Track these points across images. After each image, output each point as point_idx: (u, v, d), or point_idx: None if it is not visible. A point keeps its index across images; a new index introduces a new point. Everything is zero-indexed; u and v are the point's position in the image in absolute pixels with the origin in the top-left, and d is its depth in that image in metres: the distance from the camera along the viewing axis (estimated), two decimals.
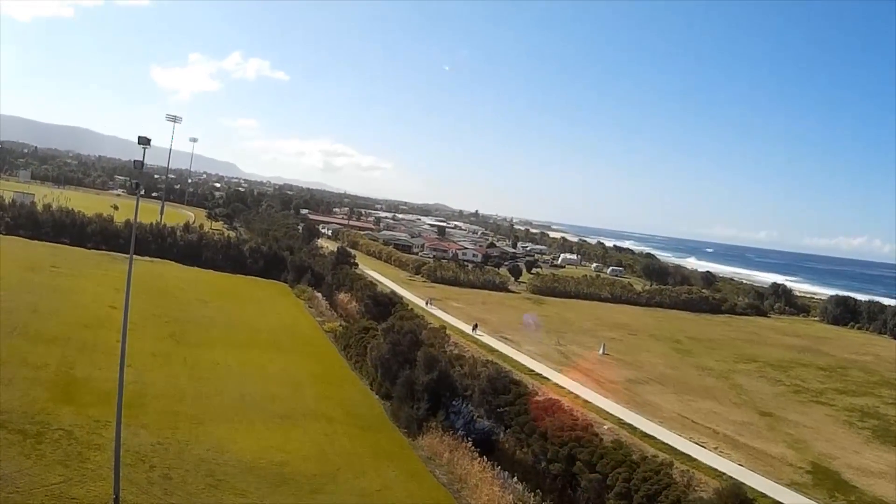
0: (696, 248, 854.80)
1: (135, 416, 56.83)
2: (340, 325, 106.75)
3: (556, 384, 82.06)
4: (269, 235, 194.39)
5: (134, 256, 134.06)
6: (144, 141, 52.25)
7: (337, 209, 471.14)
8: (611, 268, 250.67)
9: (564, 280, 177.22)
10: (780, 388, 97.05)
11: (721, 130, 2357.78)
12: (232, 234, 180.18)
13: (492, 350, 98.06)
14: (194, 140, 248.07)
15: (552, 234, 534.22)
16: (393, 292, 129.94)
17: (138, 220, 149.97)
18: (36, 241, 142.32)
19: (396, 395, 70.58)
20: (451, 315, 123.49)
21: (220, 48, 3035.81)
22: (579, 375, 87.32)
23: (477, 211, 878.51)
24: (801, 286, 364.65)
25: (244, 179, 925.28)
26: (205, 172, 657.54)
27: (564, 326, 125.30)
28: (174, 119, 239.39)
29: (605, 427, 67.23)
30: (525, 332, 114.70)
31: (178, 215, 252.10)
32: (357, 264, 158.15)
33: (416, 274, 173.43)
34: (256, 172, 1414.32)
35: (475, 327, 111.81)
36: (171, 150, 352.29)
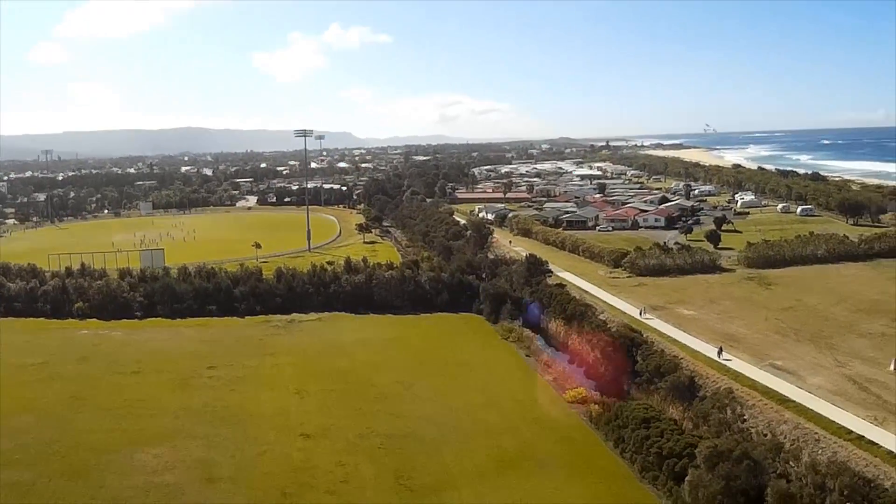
0: (812, 143, 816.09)
1: None
2: (588, 396, 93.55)
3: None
4: (434, 243, 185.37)
5: (297, 318, 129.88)
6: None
7: (477, 170, 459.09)
8: (800, 207, 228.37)
9: (778, 245, 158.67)
10: None
11: None
12: (400, 263, 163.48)
13: (769, 393, 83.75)
14: (307, 133, 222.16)
15: (686, 157, 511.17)
16: (625, 322, 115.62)
17: (293, 269, 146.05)
18: (178, 323, 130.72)
19: None
20: (684, 331, 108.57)
21: (317, 23, 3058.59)
22: None
23: (608, 142, 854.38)
24: None
25: (364, 149, 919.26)
26: (324, 151, 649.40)
27: (819, 323, 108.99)
28: (304, 133, 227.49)
29: None
30: (788, 347, 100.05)
31: (322, 223, 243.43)
32: (551, 272, 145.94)
33: (616, 267, 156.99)
34: (372, 136, 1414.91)
35: (720, 352, 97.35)
36: (307, 164, 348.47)
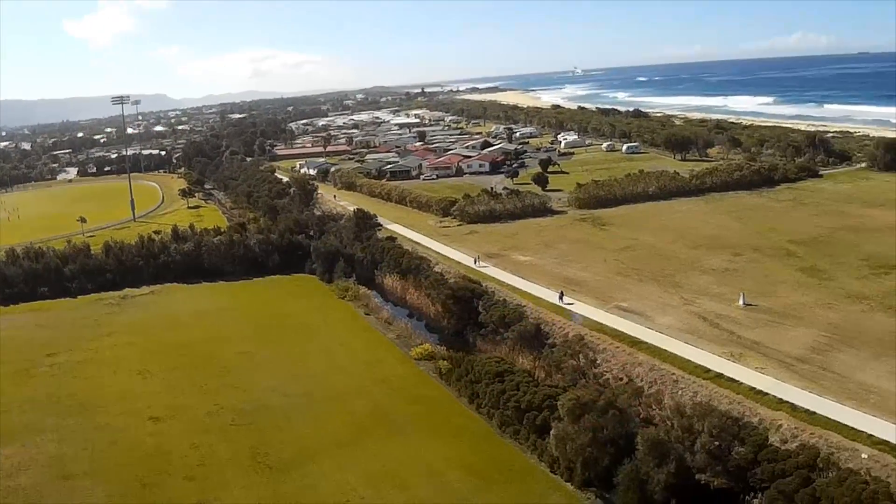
0: (629, 80, 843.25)
1: None
2: (435, 351, 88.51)
3: (785, 404, 63.05)
4: (259, 203, 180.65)
5: (131, 295, 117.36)
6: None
7: (294, 125, 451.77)
8: (626, 145, 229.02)
9: (608, 184, 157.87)
10: None
11: None
12: (227, 227, 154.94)
13: (620, 336, 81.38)
14: (123, 100, 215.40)
15: (504, 100, 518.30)
16: (462, 273, 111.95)
17: (121, 242, 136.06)
18: (11, 309, 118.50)
19: (622, 493, 53.62)
20: (523, 278, 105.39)
21: None
22: (775, 366, 69.66)
23: (423, 89, 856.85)
24: (780, 109, 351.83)
25: (180, 110, 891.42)
26: (140, 115, 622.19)
27: (660, 262, 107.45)
28: (122, 100, 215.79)
29: None
30: (632, 288, 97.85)
31: (144, 191, 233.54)
32: (381, 225, 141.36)
33: (445, 216, 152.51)
34: (187, 97, 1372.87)
35: (561, 296, 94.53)
36: (125, 132, 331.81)
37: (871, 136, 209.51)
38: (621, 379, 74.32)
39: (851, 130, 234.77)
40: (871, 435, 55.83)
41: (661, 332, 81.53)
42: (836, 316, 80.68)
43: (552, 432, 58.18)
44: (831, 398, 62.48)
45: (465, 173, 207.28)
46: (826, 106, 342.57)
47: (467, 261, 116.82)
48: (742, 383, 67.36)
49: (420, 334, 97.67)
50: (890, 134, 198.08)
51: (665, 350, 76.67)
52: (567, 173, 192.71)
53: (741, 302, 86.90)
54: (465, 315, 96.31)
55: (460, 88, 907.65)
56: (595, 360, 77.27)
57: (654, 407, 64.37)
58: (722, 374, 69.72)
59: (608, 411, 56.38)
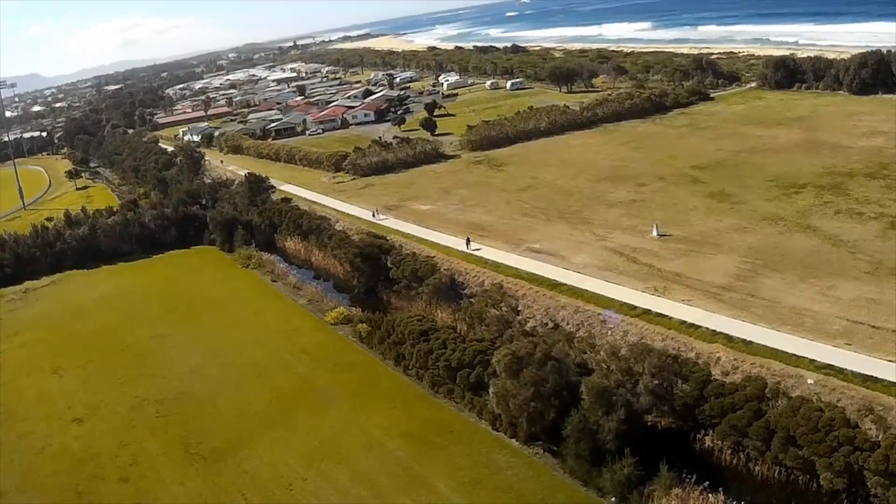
0: (498, 15, 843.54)
1: None
2: (350, 314, 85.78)
3: (719, 335, 62.48)
4: (147, 176, 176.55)
5: (31, 287, 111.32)
6: None
7: (171, 91, 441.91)
8: (510, 82, 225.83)
9: (499, 124, 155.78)
10: None
11: None
12: (119, 205, 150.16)
13: (538, 280, 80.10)
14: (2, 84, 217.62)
15: (378, 46, 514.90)
16: (364, 228, 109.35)
17: (15, 234, 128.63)
18: None
19: (573, 445, 52.12)
20: (427, 228, 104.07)
21: None
22: (702, 297, 69.05)
23: (295, 42, 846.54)
24: (658, 34, 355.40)
25: (55, 88, 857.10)
26: (16, 97, 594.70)
27: (564, 199, 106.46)
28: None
29: None
30: (541, 228, 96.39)
31: (30, 176, 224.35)
32: (274, 187, 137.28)
33: (338, 171, 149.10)
34: (60, 73, 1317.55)
35: (468, 242, 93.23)
36: (3, 115, 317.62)
37: (756, 55, 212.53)
38: (546, 324, 72.82)
39: (735, 51, 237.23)
40: (813, 360, 55.67)
41: (579, 271, 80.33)
42: (754, 240, 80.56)
43: (492, 390, 56.05)
44: (765, 325, 62.16)
45: (351, 124, 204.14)
46: (702, 28, 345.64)
47: (367, 215, 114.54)
48: (671, 318, 66.61)
49: (331, 297, 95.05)
50: (774, 52, 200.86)
51: (586, 290, 75.52)
52: (454, 115, 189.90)
53: (655, 233, 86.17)
54: (375, 272, 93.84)
55: (332, 38, 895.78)
56: (517, 307, 75.27)
57: (587, 352, 62.63)
58: (649, 310, 68.86)
59: (547, 363, 54.40)
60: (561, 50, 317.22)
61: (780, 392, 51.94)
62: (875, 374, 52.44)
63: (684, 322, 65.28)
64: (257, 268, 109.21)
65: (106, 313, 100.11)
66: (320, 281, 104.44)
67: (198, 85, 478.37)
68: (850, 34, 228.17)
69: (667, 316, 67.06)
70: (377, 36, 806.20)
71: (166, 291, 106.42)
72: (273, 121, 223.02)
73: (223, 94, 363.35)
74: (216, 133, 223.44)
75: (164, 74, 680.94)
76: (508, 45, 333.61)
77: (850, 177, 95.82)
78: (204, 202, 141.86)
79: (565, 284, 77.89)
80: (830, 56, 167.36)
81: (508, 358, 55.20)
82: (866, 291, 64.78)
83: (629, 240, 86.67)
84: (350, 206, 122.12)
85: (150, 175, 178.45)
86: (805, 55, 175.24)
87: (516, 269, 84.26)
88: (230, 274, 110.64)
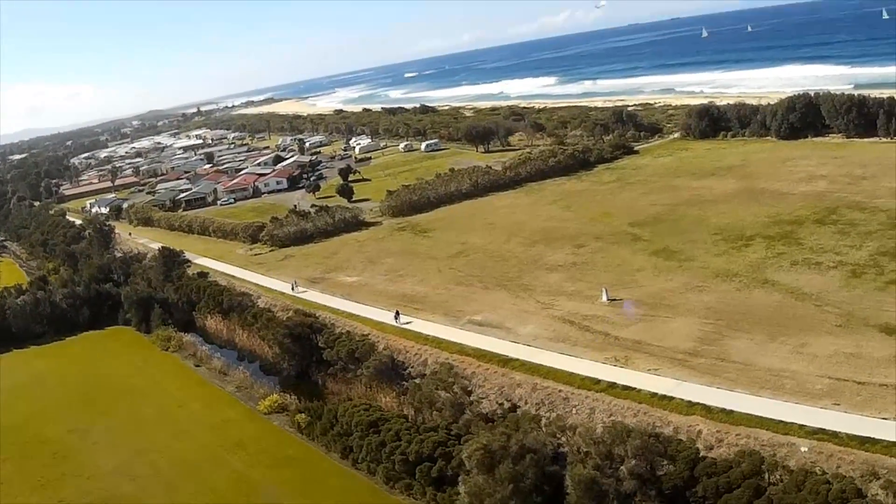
0: (398, 76, 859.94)
1: None
2: (285, 401, 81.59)
3: (696, 406, 59.92)
4: (56, 251, 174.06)
5: None
6: None
7: (77, 160, 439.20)
8: (425, 143, 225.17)
9: (420, 187, 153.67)
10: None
11: None
12: (28, 282, 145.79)
13: (486, 356, 76.72)
14: None
15: (282, 110, 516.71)
16: (288, 304, 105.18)
17: None
18: None
19: None
20: (357, 302, 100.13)
21: None
22: (669, 365, 66.32)
23: (199, 108, 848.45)
24: (566, 88, 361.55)
25: None
26: None
27: (500, 265, 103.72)
28: None
29: None
30: (480, 298, 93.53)
31: None
32: (189, 261, 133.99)
33: (255, 242, 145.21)
34: None
35: (397, 315, 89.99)
36: None
37: (672, 105, 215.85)
38: (503, 405, 69.56)
39: (650, 102, 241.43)
40: (803, 425, 53.34)
41: (529, 344, 77.14)
42: (711, 299, 78.73)
43: (463, 488, 52.35)
44: (743, 391, 59.84)
45: (263, 193, 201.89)
46: (607, 81, 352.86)
47: (286, 287, 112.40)
48: (640, 390, 63.77)
49: (262, 382, 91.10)
50: (690, 101, 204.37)
51: (541, 365, 72.34)
52: (369, 180, 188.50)
53: (605, 298, 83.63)
54: (307, 354, 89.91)
55: (235, 104, 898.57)
56: (468, 388, 71.91)
57: (557, 435, 59.48)
58: (614, 382, 65.95)
59: (524, 456, 51.04)
60: (471, 108, 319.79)
61: (778, 465, 49.53)
62: (871, 435, 50.24)
63: (655, 394, 62.52)
64: (178, 350, 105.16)
65: (19, 404, 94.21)
66: (246, 362, 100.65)
67: (103, 153, 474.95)
68: (764, 79, 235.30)
69: (634, 388, 64.24)
70: (280, 100, 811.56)
71: (83, 379, 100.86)
72: (183, 191, 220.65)
73: (129, 163, 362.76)
74: (125, 205, 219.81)
75: (69, 143, 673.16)
76: (417, 105, 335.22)
77: (799, 224, 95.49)
78: (116, 278, 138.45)
79: (517, 359, 74.52)
80: (750, 101, 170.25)
81: (480, 453, 51.67)
82: (843, 346, 63.21)
83: (577, 306, 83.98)
84: (271, 280, 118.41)
85: (58, 249, 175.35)
86: (725, 102, 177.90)
87: (461, 344, 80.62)
88: (150, 358, 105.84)
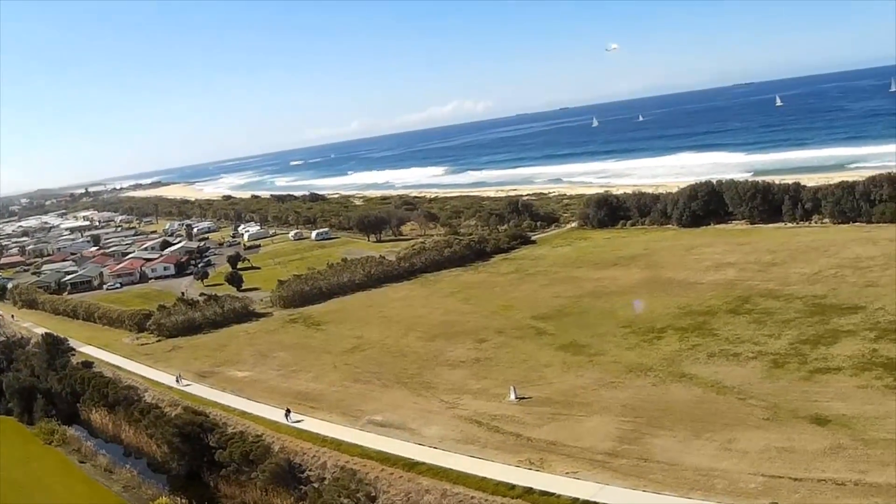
0: (283, 164, 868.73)
1: None
2: (171, 502, 74.66)
3: None
4: None
5: None
6: None
7: None
8: (315, 232, 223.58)
9: (312, 278, 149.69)
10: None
11: None
12: None
13: (389, 459, 72.26)
14: None
15: (170, 194, 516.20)
16: (176, 399, 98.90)
17: None
18: None
19: None
20: (249, 399, 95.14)
21: None
22: (588, 467, 62.97)
23: (87, 189, 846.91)
24: (455, 178, 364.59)
25: None
26: None
27: (399, 361, 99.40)
28: None
29: None
30: (379, 396, 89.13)
31: None
32: (73, 350, 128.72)
33: (141, 331, 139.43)
34: None
35: (288, 413, 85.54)
36: None
37: (567, 194, 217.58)
38: None
39: (544, 191, 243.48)
40: None
41: (435, 446, 72.93)
42: (626, 395, 75.95)
43: None
44: (672, 493, 56.55)
45: (151, 278, 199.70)
46: (496, 171, 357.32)
47: (170, 380, 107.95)
48: (560, 496, 59.84)
49: (151, 482, 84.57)
50: (585, 191, 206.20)
51: (450, 469, 67.99)
52: (259, 268, 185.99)
53: (513, 396, 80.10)
54: (198, 454, 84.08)
55: (124, 186, 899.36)
56: (372, 494, 67.27)
57: None
58: (531, 487, 61.83)
59: None
60: (360, 197, 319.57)
61: None
62: None
63: (576, 499, 58.67)
64: (62, 445, 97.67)
65: None
66: (132, 458, 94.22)
67: None
68: (659, 168, 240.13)
69: (553, 493, 60.26)
70: (168, 184, 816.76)
71: None
72: (68, 273, 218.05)
73: (15, 242, 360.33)
74: (9, 285, 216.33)
75: None
76: (306, 193, 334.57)
77: (712, 315, 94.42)
78: None
79: (424, 463, 70.07)
80: (647, 190, 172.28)
81: None
82: (773, 440, 60.91)
83: (483, 405, 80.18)
84: (158, 373, 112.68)
85: None
86: (622, 192, 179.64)
87: (361, 446, 75.84)
88: (32, 452, 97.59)
